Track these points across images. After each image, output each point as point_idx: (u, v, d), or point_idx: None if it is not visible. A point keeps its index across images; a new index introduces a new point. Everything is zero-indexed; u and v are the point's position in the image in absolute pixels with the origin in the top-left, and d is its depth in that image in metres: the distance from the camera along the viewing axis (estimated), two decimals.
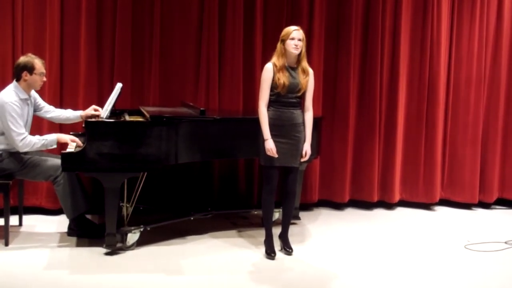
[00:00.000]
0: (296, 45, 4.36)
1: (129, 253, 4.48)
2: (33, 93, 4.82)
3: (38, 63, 4.67)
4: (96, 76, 5.56)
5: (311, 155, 4.65)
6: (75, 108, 5.28)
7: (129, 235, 4.54)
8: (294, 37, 4.37)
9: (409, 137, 6.33)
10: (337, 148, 6.12)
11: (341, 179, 6.14)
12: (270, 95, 4.42)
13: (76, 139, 4.69)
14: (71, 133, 5.13)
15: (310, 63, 4.66)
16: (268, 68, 4.42)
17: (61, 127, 5.34)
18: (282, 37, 4.43)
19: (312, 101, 4.55)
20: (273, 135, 4.38)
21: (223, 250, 4.68)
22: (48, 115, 4.96)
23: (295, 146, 4.45)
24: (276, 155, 4.35)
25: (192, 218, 5.15)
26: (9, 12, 5.32)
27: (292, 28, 4.42)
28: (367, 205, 6.26)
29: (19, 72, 4.64)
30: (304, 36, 4.43)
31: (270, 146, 4.34)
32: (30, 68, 4.63)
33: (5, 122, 4.50)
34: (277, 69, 4.39)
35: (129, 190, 4.86)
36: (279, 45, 4.44)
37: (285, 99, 4.42)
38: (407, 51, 6.24)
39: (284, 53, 4.41)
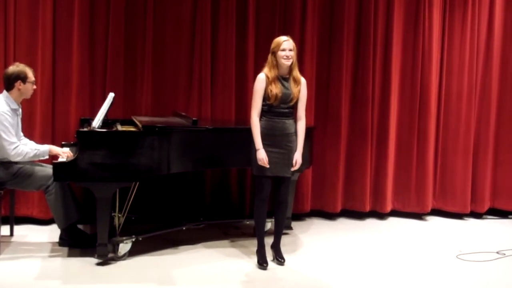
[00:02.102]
0: (287, 56, 4.36)
1: (121, 263, 4.47)
2: None
3: (29, 72, 4.69)
4: (88, 85, 5.55)
5: (303, 165, 4.66)
6: (67, 117, 5.31)
7: (121, 245, 4.52)
8: (285, 48, 4.36)
9: (401, 146, 6.33)
10: (329, 158, 6.12)
11: (333, 189, 6.13)
12: (263, 105, 4.42)
13: (70, 153, 4.66)
14: (62, 142, 5.12)
15: (302, 72, 4.67)
16: (261, 78, 4.41)
17: (53, 138, 5.34)
18: (272, 49, 4.42)
19: (305, 110, 4.55)
20: (265, 145, 4.38)
21: (215, 260, 4.67)
22: None
23: (287, 155, 4.44)
24: (267, 165, 4.35)
25: (184, 228, 5.13)
26: (1, 19, 5.31)
27: (282, 38, 4.41)
28: (359, 215, 6.26)
29: (12, 82, 4.63)
30: (294, 45, 4.42)
31: (262, 156, 4.34)
32: (23, 78, 4.64)
33: None
34: (269, 81, 4.38)
35: (121, 200, 4.85)
36: (270, 56, 4.42)
37: (278, 109, 4.41)
38: (398, 60, 6.26)
39: (276, 64, 4.40)
